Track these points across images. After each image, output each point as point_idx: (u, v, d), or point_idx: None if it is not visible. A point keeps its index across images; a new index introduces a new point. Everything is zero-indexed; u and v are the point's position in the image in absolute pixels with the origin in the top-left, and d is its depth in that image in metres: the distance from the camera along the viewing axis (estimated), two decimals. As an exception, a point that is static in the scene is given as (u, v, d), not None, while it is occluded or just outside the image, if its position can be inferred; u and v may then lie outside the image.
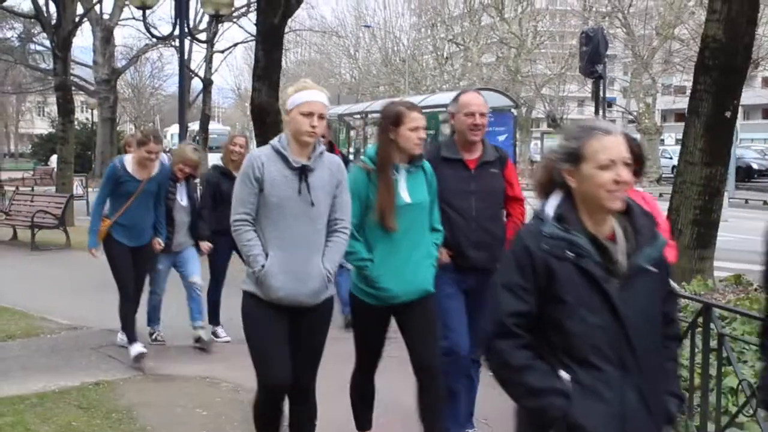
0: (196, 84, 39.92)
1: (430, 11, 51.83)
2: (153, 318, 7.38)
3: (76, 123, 25.08)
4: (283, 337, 3.98)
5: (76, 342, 7.48)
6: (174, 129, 41.74)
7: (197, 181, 7.85)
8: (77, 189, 19.54)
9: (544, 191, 2.63)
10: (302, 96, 3.89)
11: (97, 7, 30.86)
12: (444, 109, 17.52)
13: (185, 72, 15.41)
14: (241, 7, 33.15)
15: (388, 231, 4.19)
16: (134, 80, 58.39)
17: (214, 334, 7.48)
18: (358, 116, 30.67)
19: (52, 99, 29.96)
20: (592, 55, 13.97)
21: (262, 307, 3.95)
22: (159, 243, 6.86)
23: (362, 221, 4.24)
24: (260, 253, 3.91)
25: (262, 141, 10.25)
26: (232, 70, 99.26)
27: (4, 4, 20.83)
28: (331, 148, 7.83)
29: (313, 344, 4.13)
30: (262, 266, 3.89)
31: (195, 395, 5.96)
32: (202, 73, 38.56)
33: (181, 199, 7.12)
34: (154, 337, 7.34)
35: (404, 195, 4.25)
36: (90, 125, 41.74)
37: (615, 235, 2.50)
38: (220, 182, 7.26)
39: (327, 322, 4.19)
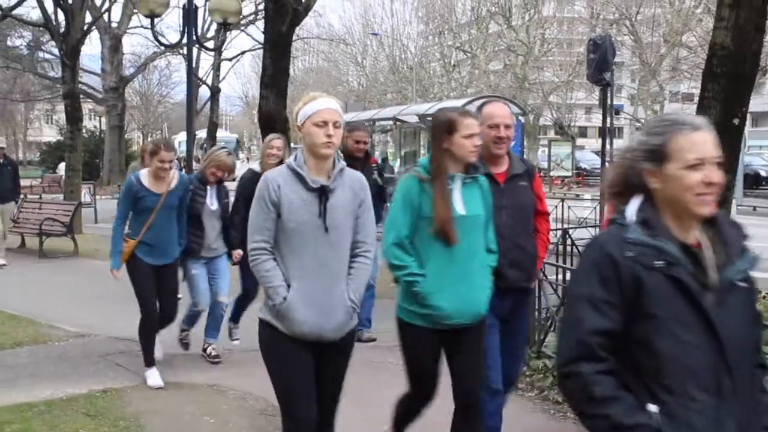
0: (204, 92, 40.19)
1: (438, 19, 51.93)
2: (188, 322, 7.14)
3: (84, 131, 25.18)
4: (308, 372, 3.71)
5: (84, 349, 7.49)
6: (182, 137, 41.79)
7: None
8: (85, 197, 19.55)
9: (617, 194, 2.34)
10: (313, 106, 3.64)
11: (105, 16, 31.10)
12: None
13: (193, 80, 15.46)
14: (249, 15, 33.37)
15: (448, 244, 3.91)
16: (142, 88, 58.78)
17: (230, 332, 7.37)
18: (366, 124, 30.71)
19: (61, 107, 30.04)
20: (600, 62, 13.91)
21: (283, 340, 3.66)
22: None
23: (413, 234, 3.98)
24: (281, 285, 3.62)
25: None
26: (240, 78, 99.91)
27: (13, 12, 20.90)
28: (367, 156, 7.78)
29: (334, 377, 3.88)
30: (284, 298, 3.60)
31: (202, 403, 5.95)
32: (209, 81, 38.84)
33: (211, 203, 6.90)
34: (182, 337, 7.17)
35: (459, 206, 3.98)
36: (98, 133, 41.88)
37: (701, 244, 2.23)
38: (253, 191, 6.98)
39: (349, 354, 3.93)
